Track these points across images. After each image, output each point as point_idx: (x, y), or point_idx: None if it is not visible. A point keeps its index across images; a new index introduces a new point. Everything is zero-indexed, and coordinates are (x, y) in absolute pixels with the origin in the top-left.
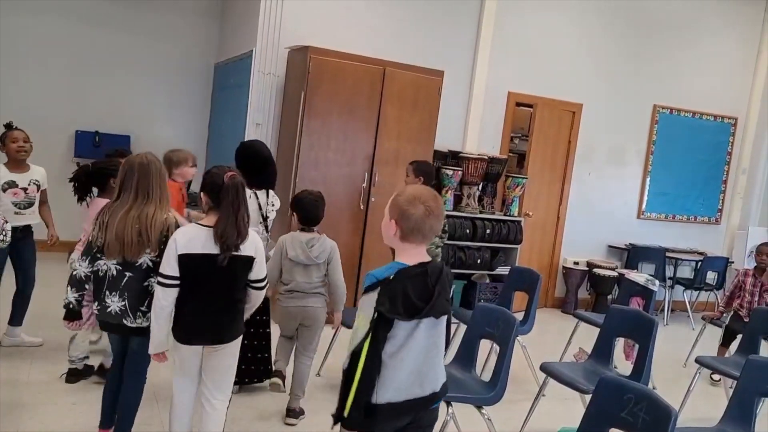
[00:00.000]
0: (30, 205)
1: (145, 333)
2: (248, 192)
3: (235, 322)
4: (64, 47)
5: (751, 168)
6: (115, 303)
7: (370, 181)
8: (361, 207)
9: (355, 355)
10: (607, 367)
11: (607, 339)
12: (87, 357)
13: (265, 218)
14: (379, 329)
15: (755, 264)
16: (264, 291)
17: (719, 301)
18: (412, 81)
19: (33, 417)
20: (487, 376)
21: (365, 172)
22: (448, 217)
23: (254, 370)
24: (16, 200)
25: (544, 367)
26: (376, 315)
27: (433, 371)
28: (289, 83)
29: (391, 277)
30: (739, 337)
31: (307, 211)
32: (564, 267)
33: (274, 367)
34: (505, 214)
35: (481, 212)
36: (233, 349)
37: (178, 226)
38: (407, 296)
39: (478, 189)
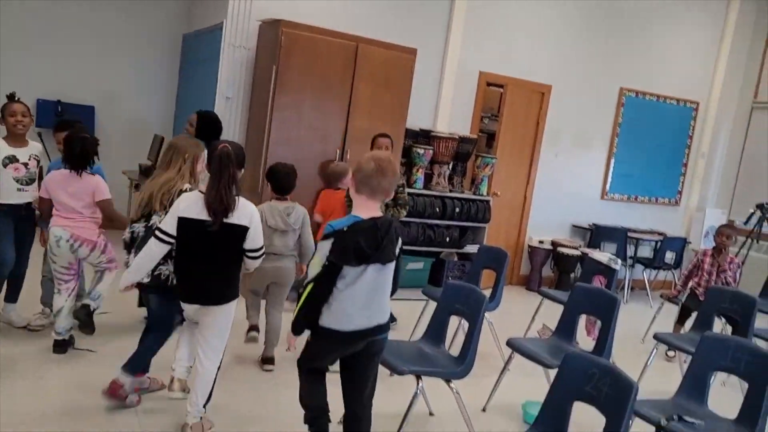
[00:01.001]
0: (32, 180)
1: (157, 291)
2: None
3: (227, 287)
4: (27, 15)
5: (710, 152)
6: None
7: (342, 159)
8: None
9: (306, 285)
10: (571, 343)
11: (570, 316)
12: (72, 327)
13: None
14: (327, 273)
15: (714, 244)
16: (260, 260)
17: (676, 279)
18: (385, 58)
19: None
20: (455, 351)
21: (337, 150)
22: (418, 195)
23: None
24: (17, 176)
25: (510, 343)
26: (327, 263)
27: (379, 307)
28: (260, 57)
29: (345, 229)
30: (694, 314)
31: (280, 181)
32: (529, 246)
33: (249, 322)
34: (474, 194)
35: (450, 191)
36: (225, 312)
37: None
38: (358, 245)
39: (448, 168)
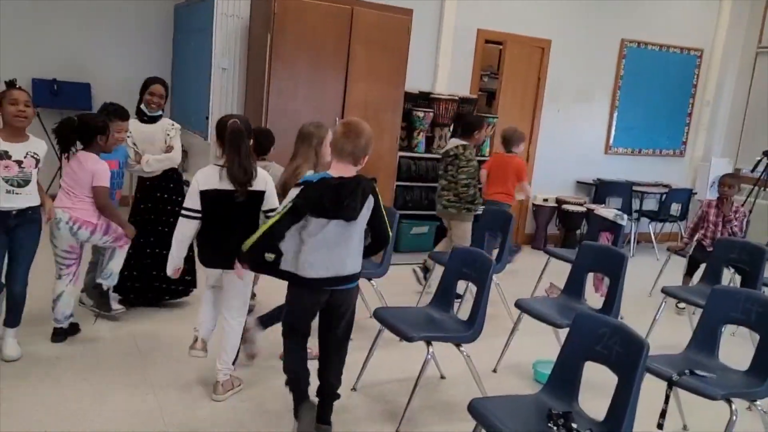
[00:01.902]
0: (26, 182)
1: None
2: None
3: None
4: None
5: (715, 100)
6: None
7: None
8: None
9: (268, 219)
10: (579, 301)
11: (578, 275)
12: (72, 315)
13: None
14: (288, 213)
15: (718, 195)
16: None
17: (683, 231)
18: (380, 21)
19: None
20: (462, 314)
21: (336, 118)
22: (420, 159)
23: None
24: (7, 175)
25: (518, 304)
26: (290, 205)
27: (341, 260)
28: (254, 26)
29: (314, 182)
30: (702, 266)
31: (261, 143)
32: (534, 204)
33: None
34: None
35: None
36: (245, 274)
37: None
38: (320, 199)
39: (449, 130)
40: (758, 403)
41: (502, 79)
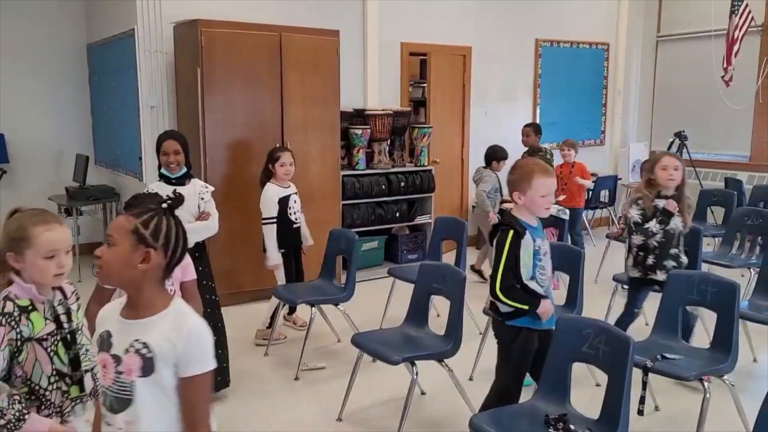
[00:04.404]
0: None
1: None
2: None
3: None
4: None
5: (625, 89)
6: None
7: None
8: None
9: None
10: None
11: None
12: None
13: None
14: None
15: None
16: None
17: (613, 216)
18: (309, 44)
19: None
20: (437, 329)
21: (276, 143)
22: (362, 176)
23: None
24: None
25: (487, 311)
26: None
27: None
28: (180, 60)
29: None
30: None
31: None
32: (473, 205)
33: None
34: (416, 165)
35: (393, 166)
36: None
37: None
38: None
39: (387, 144)
40: (725, 377)
41: (430, 89)
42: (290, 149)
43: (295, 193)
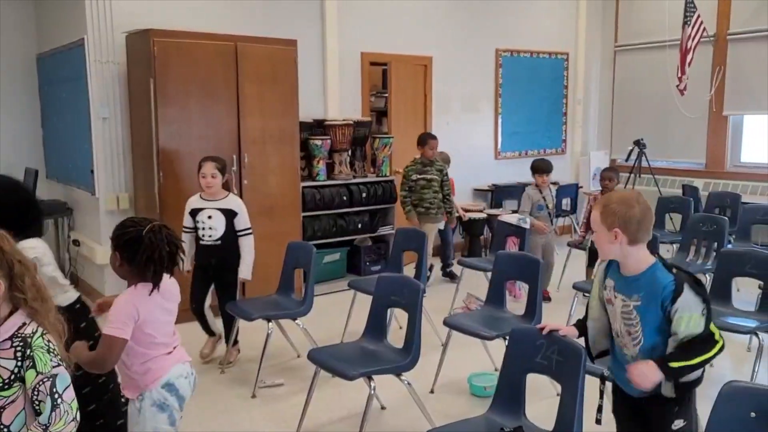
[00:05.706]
0: None
1: None
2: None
3: None
4: None
5: (585, 98)
6: None
7: (240, 164)
8: (235, 192)
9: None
10: (503, 310)
11: (498, 284)
12: None
13: None
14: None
15: (600, 189)
16: None
17: (575, 224)
18: (266, 54)
19: None
20: (395, 342)
21: (233, 156)
22: (323, 187)
23: None
24: None
25: (447, 322)
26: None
27: None
28: (133, 70)
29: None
30: None
31: None
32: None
33: None
34: (377, 176)
35: (354, 177)
36: None
37: None
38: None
39: (348, 154)
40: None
41: (391, 98)
42: (217, 159)
43: (221, 210)
